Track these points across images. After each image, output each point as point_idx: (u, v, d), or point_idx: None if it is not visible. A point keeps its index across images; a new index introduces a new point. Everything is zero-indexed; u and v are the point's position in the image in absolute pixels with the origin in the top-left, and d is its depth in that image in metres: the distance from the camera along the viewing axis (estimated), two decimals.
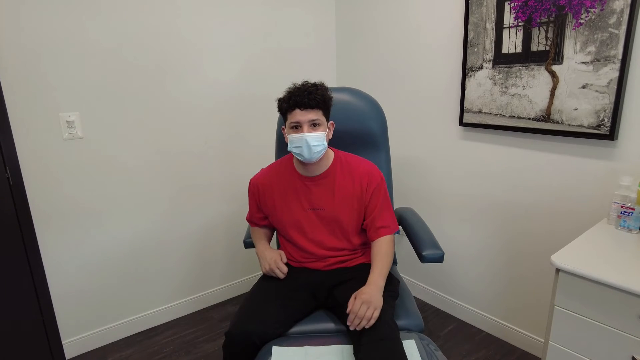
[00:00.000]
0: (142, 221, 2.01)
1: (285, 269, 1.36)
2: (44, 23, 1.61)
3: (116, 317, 2.03)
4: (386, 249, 1.32)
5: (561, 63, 1.52)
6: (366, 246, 1.44)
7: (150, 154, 1.97)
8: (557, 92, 1.56)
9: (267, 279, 1.38)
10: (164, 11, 1.88)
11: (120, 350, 1.97)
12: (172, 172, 2.06)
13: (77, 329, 1.93)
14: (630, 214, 1.30)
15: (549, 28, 1.53)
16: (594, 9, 1.41)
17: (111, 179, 1.88)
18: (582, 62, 1.47)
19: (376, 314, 1.13)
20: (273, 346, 1.18)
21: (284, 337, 1.24)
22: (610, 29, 1.38)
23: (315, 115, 1.26)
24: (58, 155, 1.73)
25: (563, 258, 1.16)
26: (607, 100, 1.43)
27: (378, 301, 1.16)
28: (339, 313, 1.28)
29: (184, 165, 2.09)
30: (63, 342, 1.87)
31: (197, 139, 2.10)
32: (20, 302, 1.43)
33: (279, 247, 1.52)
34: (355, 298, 1.17)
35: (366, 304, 1.13)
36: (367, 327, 1.11)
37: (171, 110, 1.99)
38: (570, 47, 1.49)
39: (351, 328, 1.13)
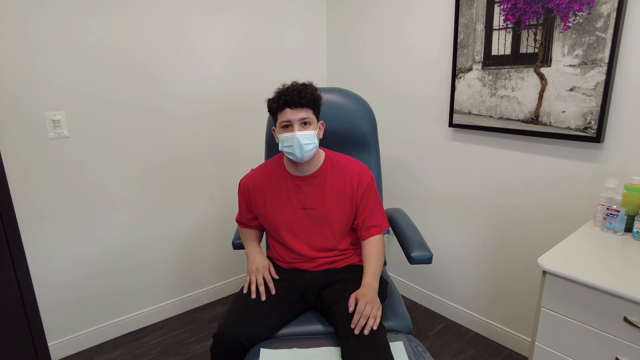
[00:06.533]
0: (130, 221, 1.99)
1: (272, 289, 1.31)
2: (29, 21, 1.58)
3: (104, 318, 2.01)
4: (377, 248, 1.33)
5: (549, 66, 1.53)
6: (356, 247, 1.44)
7: (138, 154, 1.95)
8: (545, 95, 1.57)
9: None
10: (154, 11, 1.85)
11: (107, 351, 1.95)
12: (161, 172, 2.04)
13: (63, 331, 1.90)
14: (615, 216, 1.32)
15: (538, 31, 1.54)
16: (581, 13, 1.42)
17: (98, 179, 1.86)
18: (570, 65, 1.48)
19: (380, 312, 1.15)
20: (261, 348, 1.17)
21: (272, 339, 1.24)
22: (597, 33, 1.39)
23: (306, 113, 1.26)
24: (43, 155, 1.70)
25: (549, 260, 1.17)
26: (594, 103, 1.44)
27: (378, 301, 1.18)
28: (328, 315, 1.28)
29: (173, 165, 2.07)
30: (49, 344, 1.85)
31: (186, 138, 2.08)
32: (4, 304, 1.41)
33: (268, 247, 1.52)
34: (356, 299, 1.17)
35: (370, 303, 1.14)
36: (374, 327, 1.11)
37: (160, 109, 1.97)
38: (558, 50, 1.50)
39: (356, 331, 1.10)
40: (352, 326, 1.11)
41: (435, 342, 1.98)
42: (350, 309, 1.15)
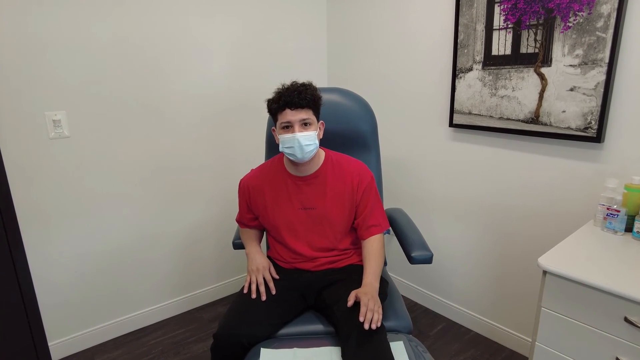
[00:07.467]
0: (130, 221, 1.99)
1: (272, 288, 1.31)
2: (29, 21, 1.58)
3: (104, 318, 2.01)
4: (377, 248, 1.33)
5: (550, 66, 1.53)
6: (356, 246, 1.44)
7: (139, 154, 1.95)
8: (545, 95, 1.57)
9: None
10: (154, 12, 1.85)
11: (108, 351, 1.95)
12: (160, 172, 2.04)
13: (64, 330, 1.90)
14: (615, 215, 1.32)
15: (538, 30, 1.54)
16: (581, 13, 1.42)
17: (98, 179, 1.86)
18: (570, 65, 1.48)
19: (380, 311, 1.14)
20: (261, 348, 1.17)
21: (272, 338, 1.24)
22: (597, 33, 1.39)
23: (306, 114, 1.26)
24: (44, 155, 1.70)
25: (550, 260, 1.17)
26: (594, 103, 1.44)
27: (379, 300, 1.18)
28: (328, 314, 1.28)
29: (173, 165, 2.07)
30: (49, 344, 1.85)
31: (187, 139, 2.08)
32: (4, 303, 1.41)
33: (268, 247, 1.52)
34: (357, 297, 1.16)
35: (372, 300, 1.14)
36: (378, 324, 1.10)
37: (160, 109, 1.97)
38: (558, 50, 1.50)
39: (366, 325, 1.09)
40: (361, 319, 1.09)
41: (435, 342, 1.98)
42: (349, 303, 1.16)
